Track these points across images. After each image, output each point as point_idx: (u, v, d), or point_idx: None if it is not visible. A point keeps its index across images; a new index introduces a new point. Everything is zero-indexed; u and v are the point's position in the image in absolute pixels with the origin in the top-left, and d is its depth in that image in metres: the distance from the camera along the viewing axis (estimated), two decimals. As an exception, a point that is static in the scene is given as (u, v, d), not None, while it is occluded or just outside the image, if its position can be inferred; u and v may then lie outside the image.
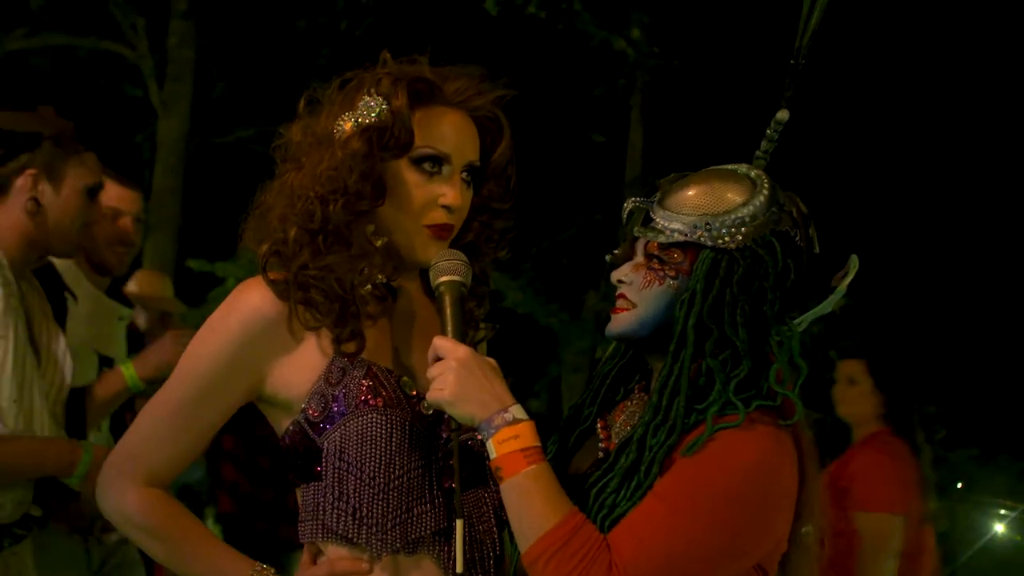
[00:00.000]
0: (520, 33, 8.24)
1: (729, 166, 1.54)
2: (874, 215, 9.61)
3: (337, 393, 1.49)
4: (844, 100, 9.16)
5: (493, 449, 1.40)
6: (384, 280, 1.56)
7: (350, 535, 1.46)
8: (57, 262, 2.80)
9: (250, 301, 1.51)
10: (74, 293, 2.62)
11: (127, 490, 1.55)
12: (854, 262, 1.51)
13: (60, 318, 2.43)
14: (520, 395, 1.45)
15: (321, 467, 1.49)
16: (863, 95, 9.56)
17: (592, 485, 1.45)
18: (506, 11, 7.58)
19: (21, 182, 2.17)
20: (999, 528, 6.06)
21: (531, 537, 1.36)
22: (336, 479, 1.47)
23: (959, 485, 7.52)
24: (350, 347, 1.50)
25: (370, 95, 1.51)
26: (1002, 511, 6.10)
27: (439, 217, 1.53)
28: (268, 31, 9.28)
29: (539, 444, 1.40)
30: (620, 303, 1.51)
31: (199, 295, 8.89)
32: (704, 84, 9.33)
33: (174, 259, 8.49)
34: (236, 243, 1.60)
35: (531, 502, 1.37)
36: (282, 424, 1.54)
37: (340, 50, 8.64)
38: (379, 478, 1.46)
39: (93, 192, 2.31)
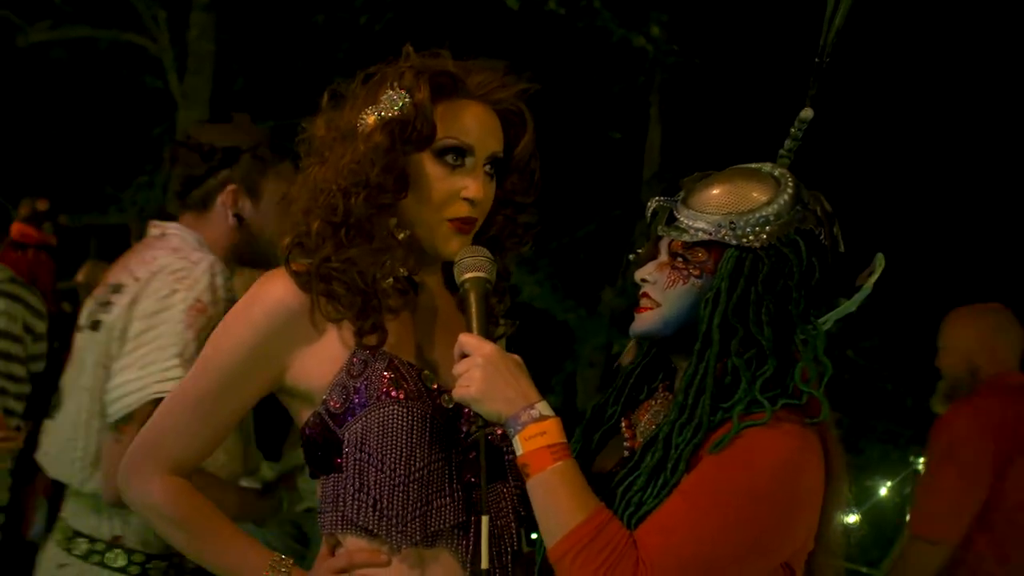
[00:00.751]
0: (539, 29, 8.22)
1: (753, 165, 1.53)
2: (896, 215, 9.54)
3: (359, 385, 1.50)
4: (868, 97, 9.10)
5: (520, 446, 1.40)
6: (406, 274, 1.57)
7: (371, 527, 1.47)
8: None
9: (273, 292, 1.53)
10: None
11: (151, 479, 1.57)
12: (880, 260, 1.50)
13: None
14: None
15: (341, 459, 1.50)
16: (887, 92, 9.50)
17: (618, 484, 1.45)
18: (526, 7, 7.56)
19: (223, 198, 2.20)
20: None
21: (557, 534, 1.36)
22: (357, 471, 1.48)
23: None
24: (371, 339, 1.50)
25: (393, 89, 1.52)
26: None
27: (462, 210, 1.53)
28: (288, 25, 9.31)
29: (565, 440, 1.40)
30: (644, 302, 1.50)
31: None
32: (723, 82, 9.29)
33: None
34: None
35: (557, 499, 1.37)
36: (302, 416, 1.55)
37: (359, 44, 8.67)
38: (400, 470, 1.47)
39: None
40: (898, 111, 9.45)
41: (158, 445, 1.58)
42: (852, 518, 6.11)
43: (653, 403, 1.59)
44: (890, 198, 9.61)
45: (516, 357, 1.47)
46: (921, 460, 6.77)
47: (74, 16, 8.36)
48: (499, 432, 1.51)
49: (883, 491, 6.73)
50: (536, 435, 1.38)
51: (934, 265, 9.73)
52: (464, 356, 1.44)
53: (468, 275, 1.50)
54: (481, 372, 1.40)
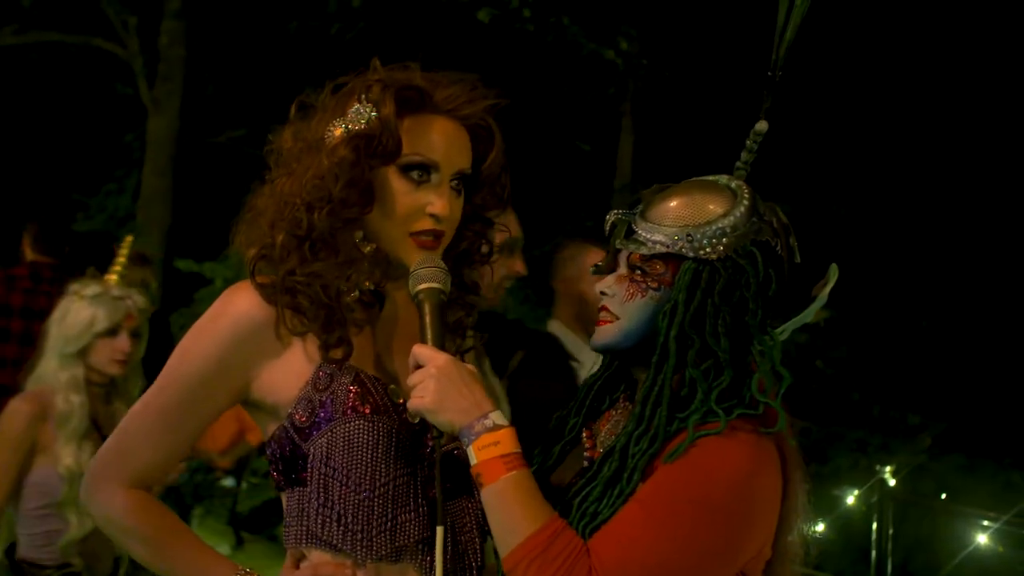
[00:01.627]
0: (511, 40, 8.25)
1: (710, 177, 1.54)
2: (858, 225, 9.64)
3: (324, 399, 1.48)
4: (829, 108, 9.20)
5: (473, 455, 1.39)
6: (371, 287, 1.55)
7: (335, 542, 1.46)
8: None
9: (239, 305, 1.51)
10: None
11: (114, 492, 1.54)
12: (834, 271, 1.52)
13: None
14: (506, 400, 1.45)
15: (306, 473, 1.48)
16: (848, 104, 9.61)
17: (575, 494, 1.44)
18: (496, 21, 7.58)
19: None
20: (982, 539, 6.09)
21: (511, 543, 1.36)
22: (322, 485, 1.47)
23: (943, 496, 7.57)
24: (337, 353, 1.49)
25: (360, 102, 1.50)
26: (985, 522, 6.13)
27: (426, 224, 1.51)
28: (260, 32, 9.27)
29: (519, 450, 1.40)
30: (603, 315, 1.51)
31: (187, 295, 8.87)
32: (694, 92, 9.36)
33: (163, 259, 8.47)
34: (225, 244, 1.60)
35: (511, 508, 1.37)
36: (268, 429, 1.54)
37: (332, 53, 8.64)
38: (365, 485, 1.45)
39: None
40: (862, 121, 9.56)
41: (121, 457, 1.56)
42: (819, 527, 6.16)
43: (614, 413, 1.59)
44: (849, 210, 9.71)
45: (471, 367, 1.47)
46: (888, 468, 6.85)
47: (43, 21, 8.27)
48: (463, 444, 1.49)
49: (850, 500, 6.78)
50: (489, 444, 1.38)
51: (900, 277, 9.85)
52: (419, 367, 1.43)
53: (422, 286, 1.48)
54: (435, 383, 1.40)
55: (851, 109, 9.46)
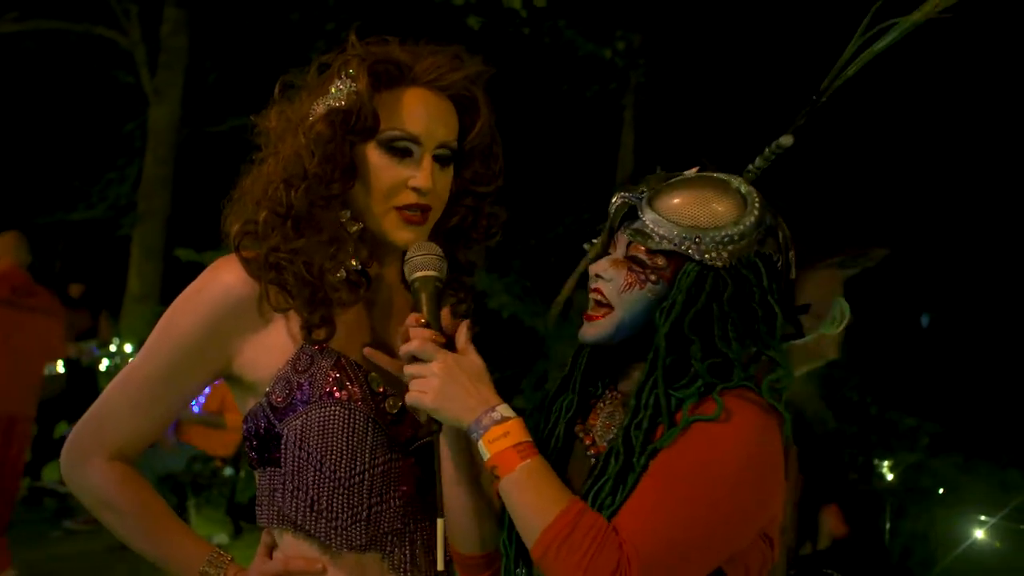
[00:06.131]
0: (507, 38, 8.22)
1: (721, 176, 1.50)
2: (860, 224, 9.63)
3: (303, 381, 1.47)
4: (824, 104, 9.18)
5: (485, 449, 1.36)
6: (358, 267, 1.52)
7: (308, 527, 1.46)
8: None
9: (223, 279, 1.49)
10: None
11: (93, 463, 1.54)
12: (845, 309, 1.47)
13: None
14: (506, 393, 1.43)
15: (279, 453, 1.48)
16: (844, 98, 9.59)
17: (587, 494, 1.42)
18: (491, 23, 7.53)
19: None
20: (979, 534, 6.10)
21: (536, 528, 1.33)
22: (295, 468, 1.46)
23: (940, 491, 7.58)
24: (320, 334, 1.47)
25: (340, 78, 1.49)
26: (982, 517, 6.14)
27: (409, 197, 1.48)
28: (262, 21, 9.26)
29: (530, 438, 1.38)
30: (595, 298, 1.47)
31: (187, 285, 8.85)
32: (696, 86, 9.34)
33: (163, 248, 8.46)
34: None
35: (531, 495, 1.35)
36: (247, 405, 1.53)
37: (334, 42, 8.61)
38: (339, 473, 1.45)
39: None
40: (860, 118, 9.54)
41: (102, 429, 1.55)
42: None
43: (603, 405, 1.56)
44: (853, 209, 9.71)
45: (476, 360, 1.42)
46: (886, 463, 6.85)
47: (44, 9, 8.25)
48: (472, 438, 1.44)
49: (848, 495, 6.78)
50: (500, 436, 1.36)
51: (897, 281, 9.85)
52: (415, 359, 1.40)
53: (417, 274, 1.46)
54: (439, 382, 1.37)
55: (851, 106, 9.45)
